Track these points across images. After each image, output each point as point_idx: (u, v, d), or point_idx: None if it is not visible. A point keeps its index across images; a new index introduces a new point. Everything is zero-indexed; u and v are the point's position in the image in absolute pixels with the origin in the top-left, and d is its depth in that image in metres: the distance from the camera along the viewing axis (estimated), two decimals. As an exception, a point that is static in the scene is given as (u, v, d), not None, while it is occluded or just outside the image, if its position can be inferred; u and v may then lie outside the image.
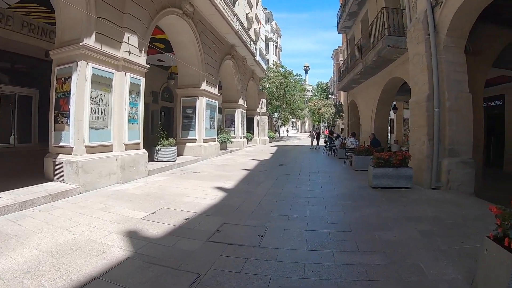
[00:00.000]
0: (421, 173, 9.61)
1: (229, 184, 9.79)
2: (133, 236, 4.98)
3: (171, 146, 13.54)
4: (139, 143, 10.60)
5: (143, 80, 10.72)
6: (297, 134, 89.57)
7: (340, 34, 30.99)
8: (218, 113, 21.85)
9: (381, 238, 5.05)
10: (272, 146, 31.37)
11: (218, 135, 20.29)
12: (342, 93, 42.08)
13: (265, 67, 33.51)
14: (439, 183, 9.30)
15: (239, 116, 25.21)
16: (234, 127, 24.83)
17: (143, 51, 10.74)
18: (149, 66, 11.18)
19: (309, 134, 32.59)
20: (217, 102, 18.89)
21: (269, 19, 63.45)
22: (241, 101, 25.23)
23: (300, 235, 5.17)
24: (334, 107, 59.08)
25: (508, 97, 16.66)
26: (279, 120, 54.39)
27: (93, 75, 8.57)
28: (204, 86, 16.51)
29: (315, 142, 30.69)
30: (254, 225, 5.70)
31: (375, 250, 4.59)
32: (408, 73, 11.96)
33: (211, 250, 4.54)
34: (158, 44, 16.41)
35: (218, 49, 18.91)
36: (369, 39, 15.83)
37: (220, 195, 8.19)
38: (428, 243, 4.81)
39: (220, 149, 19.82)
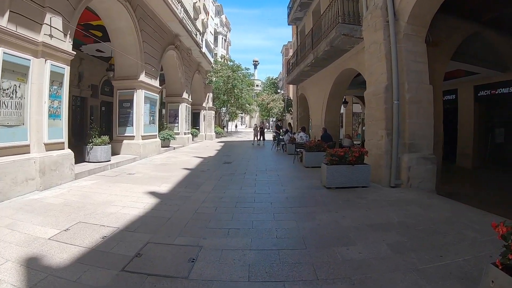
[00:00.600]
0: (379, 170, 8.94)
1: (165, 187, 8.57)
2: (32, 265, 3.75)
3: (104, 145, 11.99)
4: (63, 142, 9.11)
5: (67, 68, 9.21)
6: (246, 129, 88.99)
7: (291, 27, 30.57)
8: (162, 107, 20.63)
9: (344, 258, 4.11)
10: (218, 142, 30.16)
11: (160, 131, 19.07)
12: (291, 87, 41.74)
13: (212, 59, 32.30)
14: (398, 180, 8.67)
15: (183, 111, 23.77)
16: (178, 123, 23.39)
17: (68, 35, 9.22)
18: (75, 53, 9.61)
19: (253, 128, 31.06)
20: (157, 95, 17.49)
21: (219, 12, 62.57)
22: (185, 95, 23.82)
23: (242, 258, 4.12)
24: (283, 102, 58.95)
25: (461, 91, 16.79)
26: (227, 115, 53.45)
27: (4, 62, 7.04)
28: (142, 77, 15.09)
29: (258, 138, 28.30)
30: (185, 243, 4.58)
31: (339, 276, 3.63)
32: (362, 64, 11.32)
33: (124, 285, 3.41)
34: (95, 32, 14.94)
35: (160, 38, 17.49)
36: (321, 28, 14.92)
37: (151, 202, 6.97)
38: (402, 261, 3.95)
39: (162, 146, 18.53)
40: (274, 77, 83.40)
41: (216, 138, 35.67)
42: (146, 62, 15.41)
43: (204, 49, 27.31)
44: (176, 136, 22.17)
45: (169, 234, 5.00)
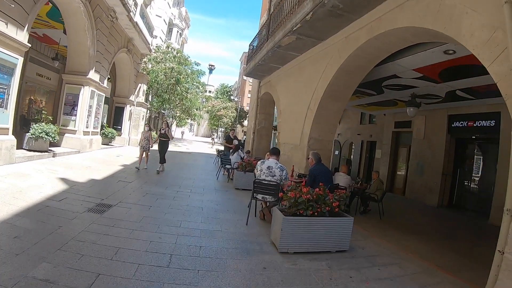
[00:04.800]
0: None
1: None
2: None
3: None
4: None
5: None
6: (193, 137, 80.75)
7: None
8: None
9: None
10: (142, 151, 21.37)
11: (30, 123, 12.08)
12: (245, 97, 33.56)
13: (149, 39, 24.14)
14: None
15: (87, 99, 15.27)
16: (76, 115, 15.01)
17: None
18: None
19: (139, 142, 14.93)
20: (19, 58, 9.38)
21: (178, 3, 56.40)
22: (94, 75, 15.35)
23: None
24: (235, 111, 51.77)
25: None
26: (171, 119, 44.23)
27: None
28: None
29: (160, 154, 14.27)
30: None
31: None
32: (442, 14, 5.03)
33: None
34: None
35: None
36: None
37: None
38: None
39: (35, 150, 11.33)
40: (229, 85, 77.22)
41: (145, 144, 26.96)
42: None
43: (137, 19, 19.16)
44: (71, 135, 14.49)
45: None
